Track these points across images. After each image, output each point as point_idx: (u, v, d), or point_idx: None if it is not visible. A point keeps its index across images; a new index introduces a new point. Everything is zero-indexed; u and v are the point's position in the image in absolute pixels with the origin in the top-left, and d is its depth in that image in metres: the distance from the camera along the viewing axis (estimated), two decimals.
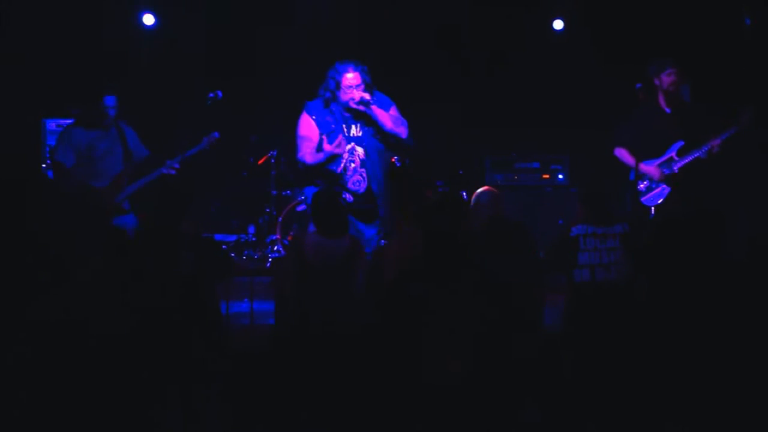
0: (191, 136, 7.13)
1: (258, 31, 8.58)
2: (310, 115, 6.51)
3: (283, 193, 7.21)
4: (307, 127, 6.52)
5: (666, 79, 6.88)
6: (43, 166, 7.73)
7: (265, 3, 8.61)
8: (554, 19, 8.84)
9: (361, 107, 6.41)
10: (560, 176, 8.48)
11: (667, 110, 6.93)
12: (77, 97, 7.20)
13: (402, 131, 6.54)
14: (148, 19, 8.19)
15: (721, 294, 4.11)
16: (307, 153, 6.46)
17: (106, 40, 8.16)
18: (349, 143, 6.52)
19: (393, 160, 7.11)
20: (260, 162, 7.46)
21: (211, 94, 7.16)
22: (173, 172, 6.98)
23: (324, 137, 6.45)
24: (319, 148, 6.44)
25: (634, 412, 3.97)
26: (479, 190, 6.84)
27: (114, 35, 8.19)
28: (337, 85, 6.42)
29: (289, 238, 7.06)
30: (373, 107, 6.42)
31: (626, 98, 7.13)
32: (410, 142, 6.62)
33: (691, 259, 4.45)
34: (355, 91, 6.39)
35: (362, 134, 6.52)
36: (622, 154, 7.03)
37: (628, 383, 4.08)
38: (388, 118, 6.49)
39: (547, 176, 8.42)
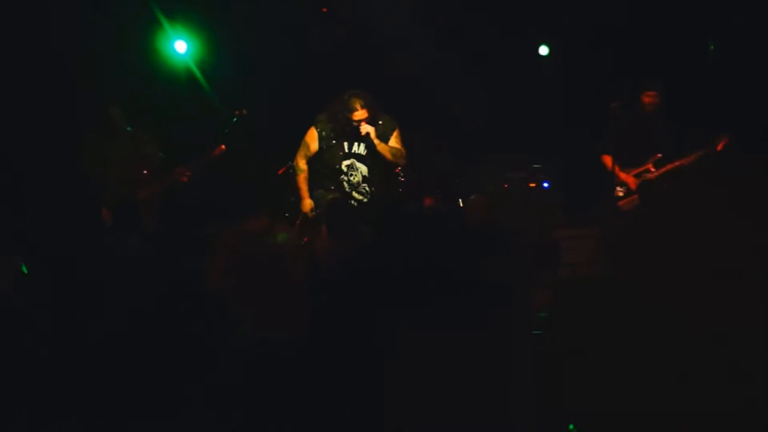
0: (203, 147, 7.31)
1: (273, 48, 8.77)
2: (317, 128, 6.80)
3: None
4: (311, 137, 6.83)
5: (645, 99, 7.12)
6: None
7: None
8: (540, 45, 9.02)
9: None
10: (545, 184, 8.56)
11: (648, 125, 7.12)
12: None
13: (400, 162, 6.81)
14: (181, 47, 8.36)
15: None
16: (299, 159, 6.84)
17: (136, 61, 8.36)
18: (349, 159, 6.77)
19: (397, 170, 7.34)
20: (280, 172, 7.67)
21: (237, 112, 7.38)
22: (184, 179, 7.16)
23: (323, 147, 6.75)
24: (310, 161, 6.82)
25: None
26: (472, 197, 7.02)
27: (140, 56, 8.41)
28: (347, 120, 6.65)
29: (304, 240, 7.23)
30: (376, 143, 6.63)
31: (602, 114, 7.20)
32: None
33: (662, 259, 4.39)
34: (362, 125, 6.62)
35: (366, 153, 6.74)
36: (607, 161, 7.24)
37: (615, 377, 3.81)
38: (388, 151, 6.69)
39: (533, 184, 8.50)
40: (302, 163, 6.89)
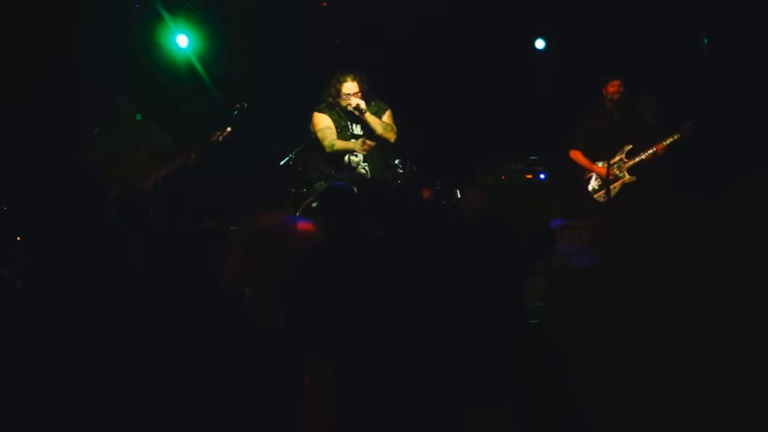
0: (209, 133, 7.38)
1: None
2: (322, 113, 6.91)
3: (301, 190, 7.46)
4: (324, 120, 6.90)
5: (610, 88, 7.14)
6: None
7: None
8: (536, 39, 8.98)
9: (356, 113, 6.76)
10: (541, 176, 8.52)
11: (615, 116, 7.13)
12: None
13: (390, 137, 6.89)
14: (183, 41, 8.38)
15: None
16: (328, 140, 6.83)
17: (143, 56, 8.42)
18: (350, 140, 6.89)
19: (396, 162, 7.38)
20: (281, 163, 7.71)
21: (238, 105, 7.41)
22: (189, 161, 7.25)
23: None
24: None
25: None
26: (469, 189, 7.08)
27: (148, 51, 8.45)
28: (337, 93, 6.79)
29: None
30: (366, 115, 6.75)
31: (598, 107, 7.29)
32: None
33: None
34: (351, 98, 6.75)
35: (363, 132, 6.87)
36: (577, 155, 7.32)
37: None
38: (379, 124, 6.82)
39: (530, 176, 8.48)
40: (332, 138, 6.85)
